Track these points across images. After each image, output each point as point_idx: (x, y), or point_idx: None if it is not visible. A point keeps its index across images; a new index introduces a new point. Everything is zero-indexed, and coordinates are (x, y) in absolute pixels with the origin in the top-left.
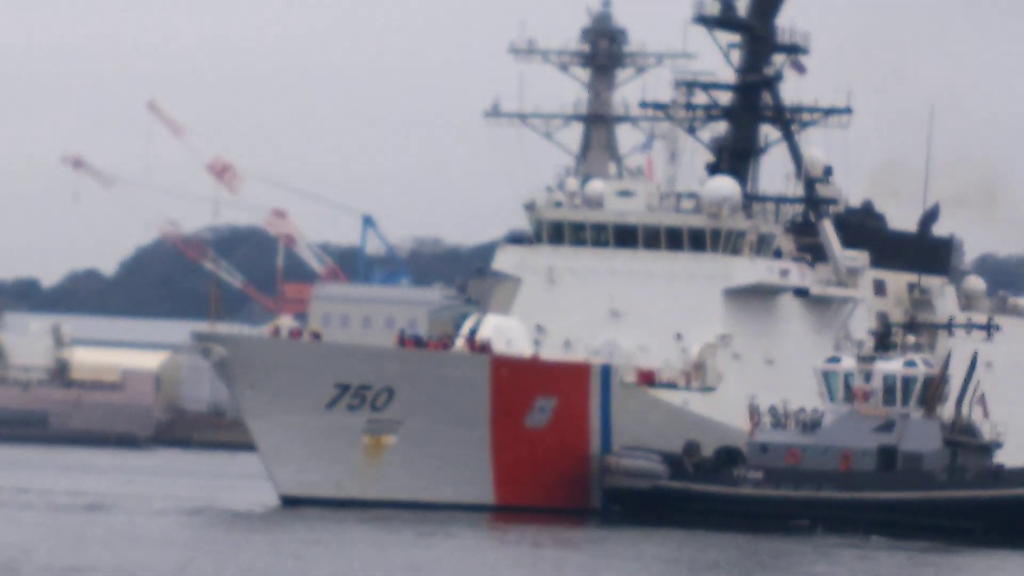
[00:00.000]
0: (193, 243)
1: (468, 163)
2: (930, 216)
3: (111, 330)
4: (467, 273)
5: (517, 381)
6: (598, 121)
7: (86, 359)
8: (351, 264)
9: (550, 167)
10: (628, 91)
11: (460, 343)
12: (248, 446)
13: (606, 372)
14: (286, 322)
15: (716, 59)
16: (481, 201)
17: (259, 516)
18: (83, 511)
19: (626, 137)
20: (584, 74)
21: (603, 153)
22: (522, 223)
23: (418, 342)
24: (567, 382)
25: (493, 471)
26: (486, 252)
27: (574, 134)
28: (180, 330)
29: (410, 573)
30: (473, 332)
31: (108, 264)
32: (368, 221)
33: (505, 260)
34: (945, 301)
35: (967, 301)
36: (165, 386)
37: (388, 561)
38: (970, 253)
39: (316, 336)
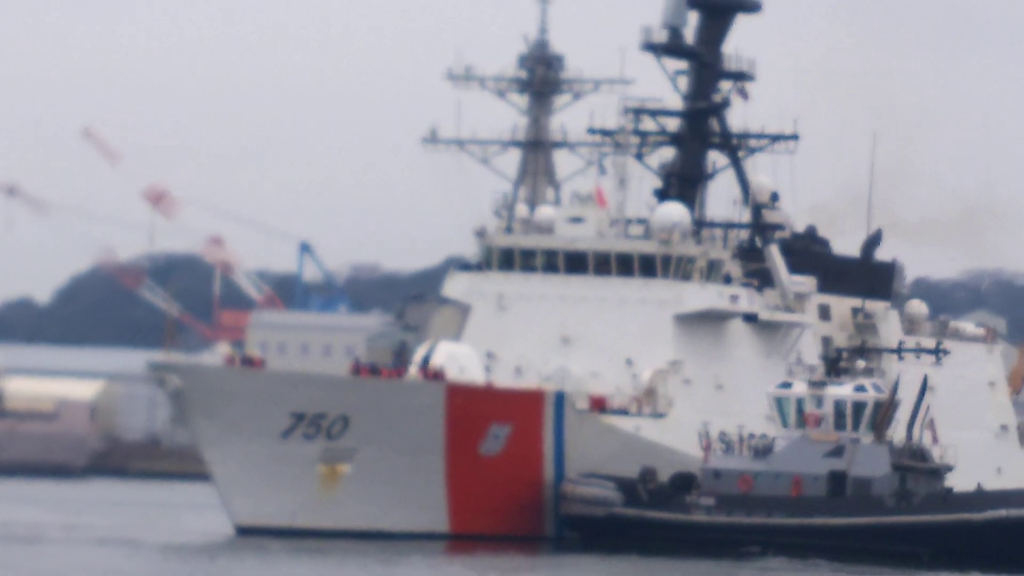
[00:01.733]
0: (129, 270)
1: (406, 189)
2: (873, 241)
3: (45, 359)
4: (405, 299)
5: (471, 409)
6: (536, 147)
7: (20, 389)
8: (288, 291)
9: (488, 193)
10: (566, 117)
11: (414, 371)
12: (186, 475)
13: (560, 399)
14: (223, 350)
15: (659, 85)
16: (420, 227)
17: (216, 546)
18: (22, 543)
19: (564, 163)
20: (522, 100)
21: (541, 179)
22: (461, 249)
23: (373, 370)
24: (521, 409)
25: (448, 499)
26: (424, 278)
27: (512, 160)
28: (116, 359)
29: None
30: (426, 359)
31: (42, 292)
32: (305, 248)
33: (455, 287)
34: (889, 325)
35: (910, 325)
36: (100, 415)
37: None
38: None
39: (249, 362)
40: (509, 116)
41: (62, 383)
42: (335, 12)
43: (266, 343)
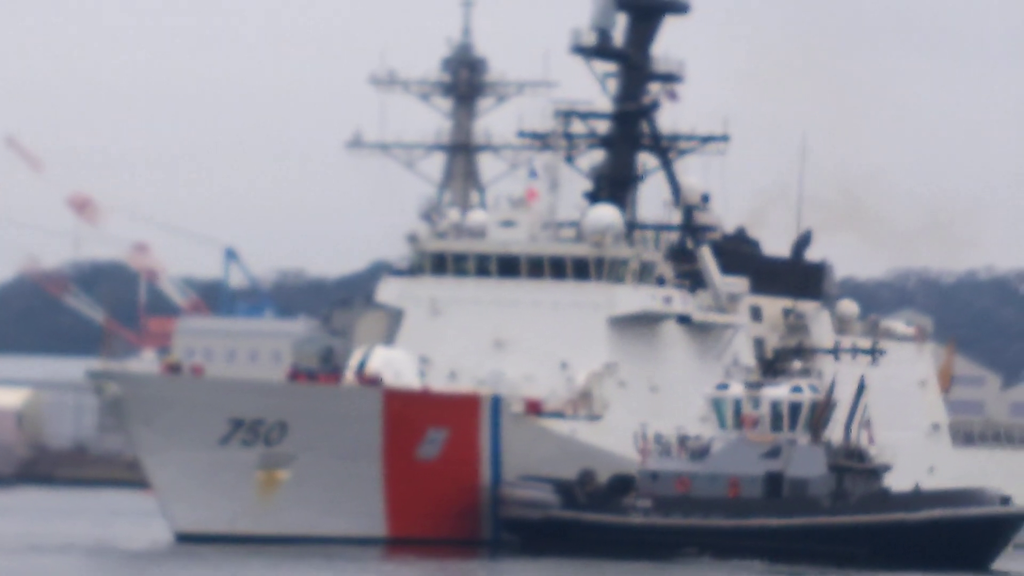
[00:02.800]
0: (54, 278)
1: (331, 194)
2: (803, 241)
3: None
4: (331, 304)
5: (408, 413)
6: (460, 150)
7: None
8: (214, 297)
9: (414, 197)
10: (490, 120)
11: (350, 376)
12: (114, 482)
13: (496, 403)
14: (148, 356)
15: (588, 88)
16: (345, 232)
17: (157, 554)
18: None
19: (489, 166)
20: (445, 104)
21: (466, 182)
22: (387, 253)
23: (310, 376)
24: (458, 413)
25: (386, 504)
26: (350, 283)
27: (437, 163)
28: (42, 367)
29: None
30: (362, 365)
31: None
32: (230, 254)
33: (387, 292)
34: (821, 325)
35: (841, 325)
36: (27, 423)
37: None
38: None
39: (175, 368)
40: (433, 120)
41: None
42: (256, 18)
43: (192, 349)
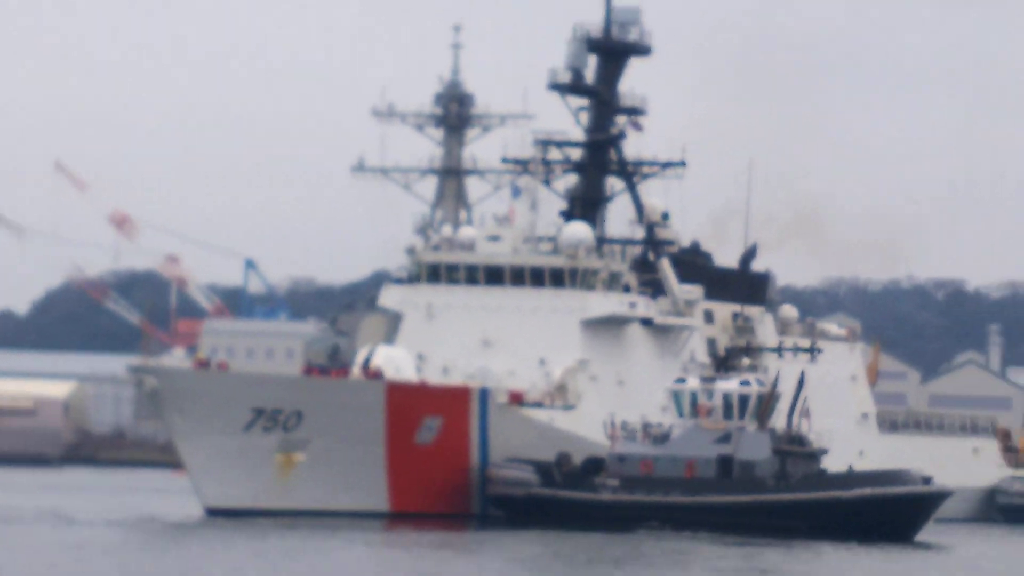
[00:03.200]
0: (96, 285)
1: (337, 212)
2: (749, 255)
3: (24, 363)
4: (337, 308)
5: (407, 404)
6: (450, 174)
7: (2, 389)
8: (235, 302)
9: (409, 215)
10: (476, 148)
11: (357, 371)
12: (149, 463)
13: (484, 394)
14: (178, 353)
15: (563, 120)
16: (350, 245)
17: (191, 526)
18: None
19: (475, 188)
20: (437, 133)
21: (456, 202)
22: (386, 264)
23: (322, 371)
24: (450, 404)
25: (388, 482)
26: (354, 289)
27: (429, 186)
28: (85, 362)
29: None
30: (367, 361)
31: (21, 305)
32: (250, 264)
33: (389, 297)
34: (765, 327)
35: (783, 327)
36: (73, 412)
37: (302, 558)
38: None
39: (204, 364)
40: (427, 147)
41: (39, 384)
42: (275, 57)
43: (217, 348)
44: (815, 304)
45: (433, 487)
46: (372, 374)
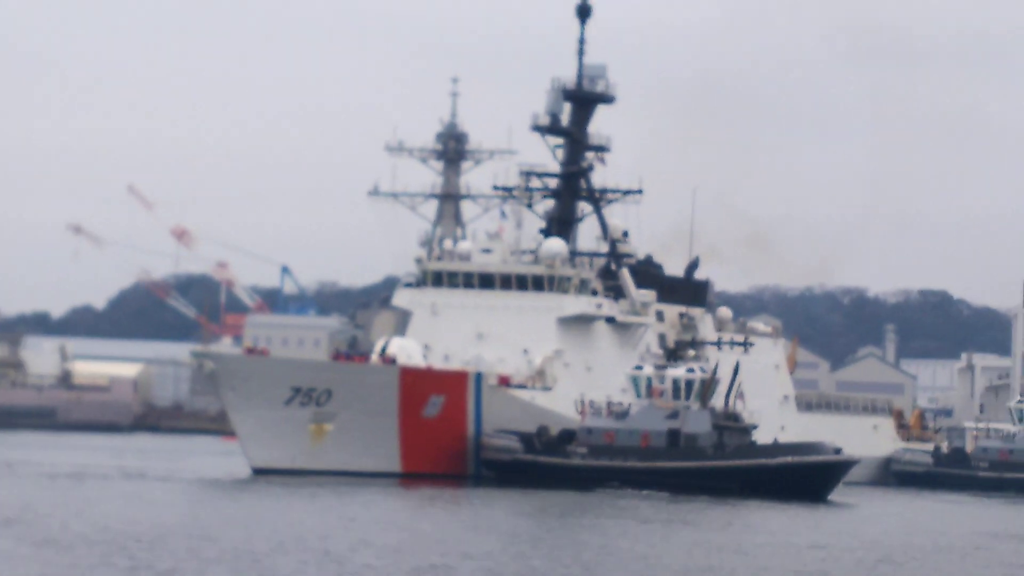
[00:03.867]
0: (160, 286)
1: (357, 228)
2: (693, 266)
3: (101, 348)
4: (356, 306)
5: (417, 385)
6: (449, 199)
7: (84, 369)
8: (273, 300)
9: (415, 231)
10: (470, 177)
11: (375, 357)
12: (203, 431)
13: (478, 378)
14: (227, 342)
15: (542, 155)
16: (366, 255)
17: (241, 482)
18: (90, 479)
19: (469, 210)
20: (438, 165)
21: (452, 222)
22: (395, 270)
23: (347, 357)
24: (452, 385)
25: (400, 448)
26: (370, 291)
27: (431, 208)
28: (150, 348)
29: (345, 520)
30: (383, 350)
31: (99, 300)
32: (285, 269)
33: (401, 298)
34: (705, 325)
35: (720, 325)
36: (141, 388)
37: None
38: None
39: (252, 351)
40: (429, 177)
41: (113, 365)
42: (306, 102)
43: (257, 338)
44: (744, 307)
45: (437, 453)
46: (387, 360)
